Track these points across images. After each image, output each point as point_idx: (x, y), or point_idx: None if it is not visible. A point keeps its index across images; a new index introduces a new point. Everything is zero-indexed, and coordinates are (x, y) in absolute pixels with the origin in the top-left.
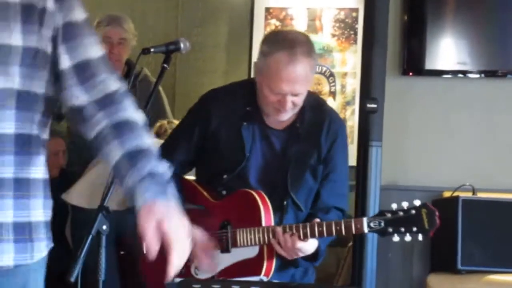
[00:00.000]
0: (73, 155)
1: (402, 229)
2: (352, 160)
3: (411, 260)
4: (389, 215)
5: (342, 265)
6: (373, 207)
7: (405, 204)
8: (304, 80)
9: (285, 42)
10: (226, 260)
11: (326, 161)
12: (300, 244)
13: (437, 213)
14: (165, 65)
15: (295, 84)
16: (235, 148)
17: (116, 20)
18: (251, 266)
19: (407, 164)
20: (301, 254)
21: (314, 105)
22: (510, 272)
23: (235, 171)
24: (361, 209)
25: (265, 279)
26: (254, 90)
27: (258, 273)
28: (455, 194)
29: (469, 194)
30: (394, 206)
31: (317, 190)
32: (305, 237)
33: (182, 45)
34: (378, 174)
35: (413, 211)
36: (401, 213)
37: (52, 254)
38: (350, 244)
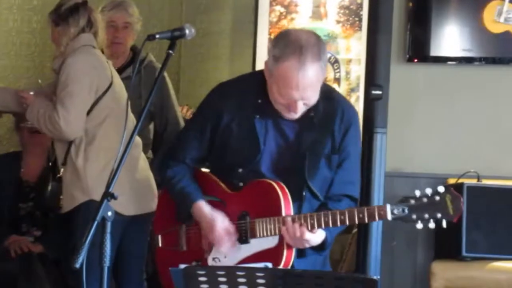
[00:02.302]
0: None
1: (426, 216)
2: None
3: (416, 247)
4: (412, 201)
5: (347, 252)
6: (377, 193)
7: (428, 191)
8: (314, 85)
9: (295, 47)
10: (246, 250)
11: (340, 149)
12: (308, 235)
13: (462, 199)
14: (170, 51)
15: (305, 91)
16: (249, 141)
17: (120, 4)
18: (271, 256)
19: (412, 151)
20: (307, 245)
21: (326, 93)
22: None
23: (250, 164)
24: (365, 196)
25: (269, 265)
26: (264, 81)
27: (278, 263)
28: (460, 181)
29: (474, 181)
30: (417, 192)
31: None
32: (326, 225)
33: (187, 31)
34: (382, 160)
35: (437, 197)
36: (425, 199)
37: (49, 241)
38: (355, 231)
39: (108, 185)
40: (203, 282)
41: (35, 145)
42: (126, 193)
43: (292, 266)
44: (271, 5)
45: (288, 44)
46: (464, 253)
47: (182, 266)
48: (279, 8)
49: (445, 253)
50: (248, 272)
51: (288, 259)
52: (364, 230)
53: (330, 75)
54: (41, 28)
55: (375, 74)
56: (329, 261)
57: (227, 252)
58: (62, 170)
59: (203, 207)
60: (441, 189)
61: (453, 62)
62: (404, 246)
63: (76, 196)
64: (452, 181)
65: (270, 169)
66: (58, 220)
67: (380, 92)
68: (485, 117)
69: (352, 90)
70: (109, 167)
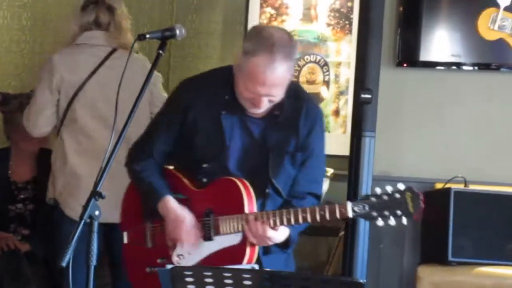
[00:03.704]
0: None
1: (387, 213)
2: (345, 150)
3: (402, 250)
4: (373, 199)
5: (333, 254)
6: None
7: (389, 188)
8: (281, 83)
9: (266, 44)
10: (210, 247)
11: (303, 147)
12: (270, 233)
13: (421, 196)
14: (160, 51)
15: (271, 88)
16: (215, 137)
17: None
18: (234, 253)
19: (400, 155)
20: (270, 243)
21: (292, 92)
22: (500, 264)
23: (215, 160)
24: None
25: (256, 267)
26: (232, 78)
27: (241, 261)
28: (447, 185)
29: (461, 186)
30: (378, 190)
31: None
32: (288, 223)
33: (177, 32)
34: (370, 164)
35: (398, 195)
36: (385, 197)
37: (36, 240)
38: (342, 233)
39: (96, 185)
40: (190, 282)
41: (25, 146)
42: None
43: (260, 263)
44: (261, 6)
45: (261, 40)
46: (450, 258)
47: (169, 266)
48: (269, 10)
49: (432, 258)
50: (235, 273)
51: (251, 256)
52: (350, 233)
53: (319, 77)
54: (31, 25)
55: (364, 77)
56: (293, 259)
57: (191, 249)
58: None
59: (171, 202)
60: (401, 187)
61: (442, 67)
62: (390, 250)
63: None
64: (439, 185)
65: (235, 165)
66: (46, 218)
67: (369, 96)
68: (473, 122)
69: (341, 93)
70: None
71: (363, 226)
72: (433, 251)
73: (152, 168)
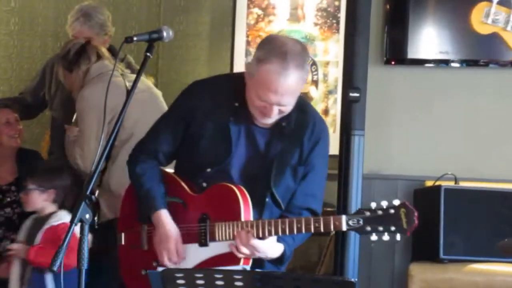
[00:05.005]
0: (53, 143)
1: (381, 228)
2: (335, 149)
3: (394, 249)
4: (368, 213)
5: (325, 254)
6: (355, 195)
7: (384, 203)
8: (293, 92)
9: (279, 52)
10: (205, 253)
11: (306, 162)
12: (255, 242)
13: (416, 213)
14: (147, 54)
15: (283, 96)
16: (221, 143)
17: (88, 15)
18: (229, 260)
19: (390, 153)
20: (257, 254)
21: (300, 105)
22: (491, 261)
23: (220, 165)
24: (343, 198)
25: (247, 267)
26: (243, 85)
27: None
28: (438, 183)
29: (451, 183)
30: (373, 204)
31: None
32: (283, 233)
33: (165, 34)
34: (360, 163)
35: (392, 210)
36: (380, 212)
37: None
38: (333, 233)
39: (86, 188)
40: (181, 284)
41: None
42: None
43: None
44: (248, 7)
45: (274, 48)
46: (441, 255)
47: (160, 269)
48: (256, 11)
49: (423, 255)
50: (226, 274)
51: (245, 263)
52: (342, 232)
53: (308, 77)
54: (18, 30)
55: (352, 76)
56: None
57: (185, 254)
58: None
59: (163, 217)
60: (396, 202)
61: (431, 65)
62: (382, 248)
63: (103, 213)
64: (429, 183)
65: (238, 172)
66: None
67: (357, 95)
68: (463, 119)
69: (330, 92)
70: None
71: None
72: (425, 249)
73: (152, 171)
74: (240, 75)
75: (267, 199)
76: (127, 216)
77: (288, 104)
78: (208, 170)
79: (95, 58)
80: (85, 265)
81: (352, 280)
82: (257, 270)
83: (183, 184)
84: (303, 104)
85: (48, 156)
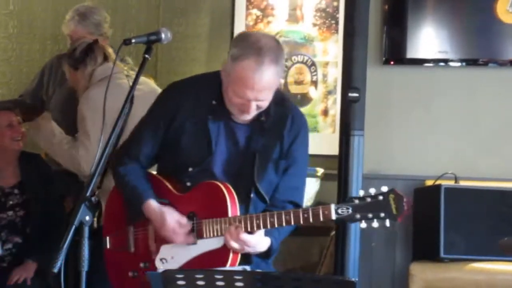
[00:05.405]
0: None
1: (370, 215)
2: (335, 150)
3: (394, 248)
4: (356, 201)
5: (325, 254)
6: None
7: (372, 191)
8: (270, 87)
9: (254, 48)
10: (193, 251)
11: (287, 155)
12: (244, 236)
13: (405, 198)
14: (146, 56)
15: (260, 92)
16: (202, 142)
17: (83, 15)
18: (217, 257)
19: (389, 153)
20: (247, 248)
21: (278, 100)
22: (492, 260)
23: (201, 164)
24: (343, 198)
25: (248, 268)
26: (220, 83)
27: (224, 265)
28: (438, 182)
29: (451, 183)
30: (361, 192)
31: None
32: (272, 226)
33: (163, 35)
34: (360, 163)
35: (381, 197)
36: (368, 199)
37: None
38: (333, 233)
39: (86, 190)
40: (182, 285)
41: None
42: None
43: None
44: (247, 8)
45: (248, 45)
46: (442, 255)
47: (161, 270)
48: (255, 12)
49: (424, 255)
50: (226, 275)
51: (234, 260)
52: (342, 232)
53: (307, 77)
54: (17, 33)
55: (351, 76)
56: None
57: (173, 253)
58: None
59: (153, 204)
60: (384, 189)
61: (430, 64)
62: (382, 248)
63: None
64: (429, 182)
65: (221, 169)
66: (38, 225)
67: (357, 95)
68: (462, 118)
69: (329, 92)
70: None
71: (354, 225)
72: (425, 248)
73: (137, 172)
74: (217, 74)
75: (252, 195)
76: (112, 221)
77: (265, 99)
78: (190, 169)
79: (101, 59)
80: (85, 267)
81: (353, 279)
82: (258, 270)
83: (167, 184)
84: (281, 98)
85: (46, 157)
